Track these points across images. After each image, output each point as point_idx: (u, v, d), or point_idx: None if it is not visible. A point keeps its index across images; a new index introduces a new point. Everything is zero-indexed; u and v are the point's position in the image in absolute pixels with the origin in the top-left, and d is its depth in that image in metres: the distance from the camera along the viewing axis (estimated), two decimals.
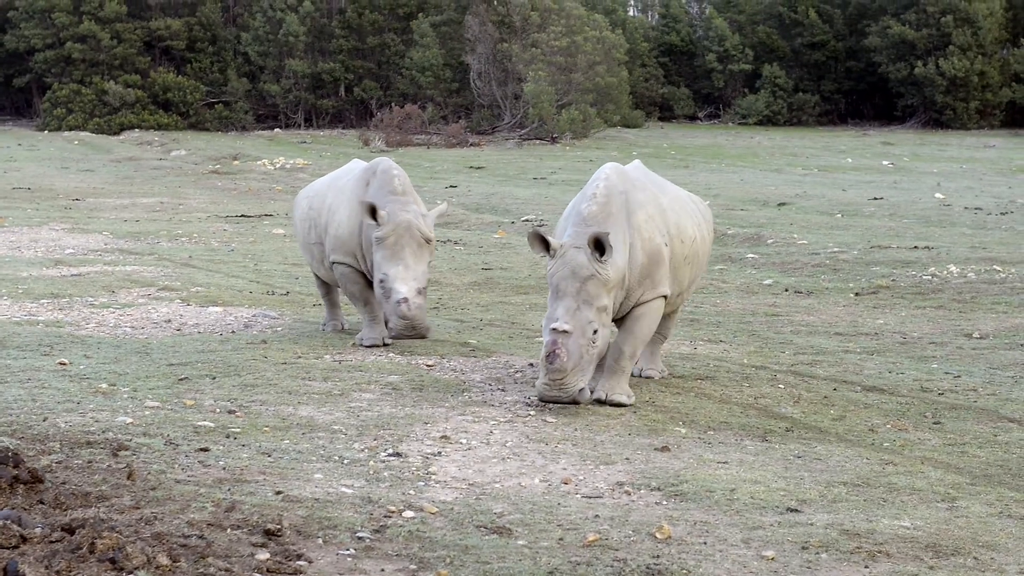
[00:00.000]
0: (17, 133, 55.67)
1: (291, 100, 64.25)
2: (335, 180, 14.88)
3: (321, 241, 14.43)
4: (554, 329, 10.91)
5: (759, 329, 15.70)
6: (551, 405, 11.26)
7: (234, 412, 10.76)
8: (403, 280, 13.48)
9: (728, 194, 32.58)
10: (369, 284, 14.02)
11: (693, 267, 12.24)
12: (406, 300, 13.38)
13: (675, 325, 13.16)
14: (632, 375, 12.47)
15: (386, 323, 13.64)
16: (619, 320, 11.76)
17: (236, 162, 41.05)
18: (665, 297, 11.75)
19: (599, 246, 10.96)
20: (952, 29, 65.57)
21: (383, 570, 7.40)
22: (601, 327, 11.07)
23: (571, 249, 11.11)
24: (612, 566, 7.57)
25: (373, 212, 13.55)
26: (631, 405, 11.36)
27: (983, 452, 10.37)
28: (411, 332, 13.45)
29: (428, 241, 13.78)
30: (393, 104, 58.18)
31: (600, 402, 11.34)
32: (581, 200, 11.69)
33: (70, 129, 58.06)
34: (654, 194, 11.93)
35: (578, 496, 8.97)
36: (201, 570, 7.12)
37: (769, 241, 23.65)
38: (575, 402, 11.05)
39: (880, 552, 7.94)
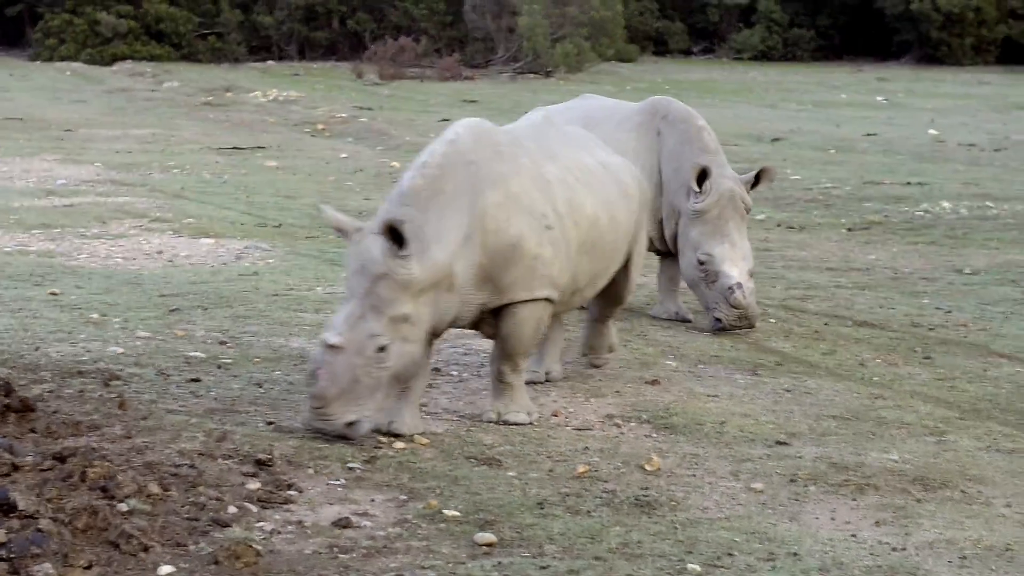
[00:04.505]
0: (9, 63, 55.42)
1: (284, 32, 63.84)
2: (590, 121, 12.29)
3: None
4: (323, 342, 8.23)
5: None
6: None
7: (225, 343, 10.77)
8: (732, 261, 11.66)
9: (722, 129, 32.38)
10: (659, 250, 12.49)
11: (595, 259, 9.36)
12: (740, 286, 11.62)
13: (619, 310, 10.57)
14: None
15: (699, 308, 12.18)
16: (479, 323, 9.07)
17: (229, 94, 40.87)
18: (548, 300, 8.97)
19: (395, 235, 8.16)
20: None
21: (373, 500, 7.44)
22: (398, 342, 8.20)
23: (368, 236, 8.27)
24: (601, 497, 7.61)
25: (702, 177, 11.74)
26: (531, 423, 9.03)
27: (972, 387, 10.41)
28: (742, 323, 11.75)
29: (748, 212, 12.03)
30: (387, 37, 57.87)
31: (494, 422, 9.02)
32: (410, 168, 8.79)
33: (62, 59, 57.66)
34: (533, 163, 9.00)
35: (568, 428, 9.00)
36: (192, 499, 7.15)
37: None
38: (344, 437, 8.26)
39: (868, 485, 7.99)
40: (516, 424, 8.99)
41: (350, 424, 8.19)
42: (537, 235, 8.78)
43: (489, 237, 8.59)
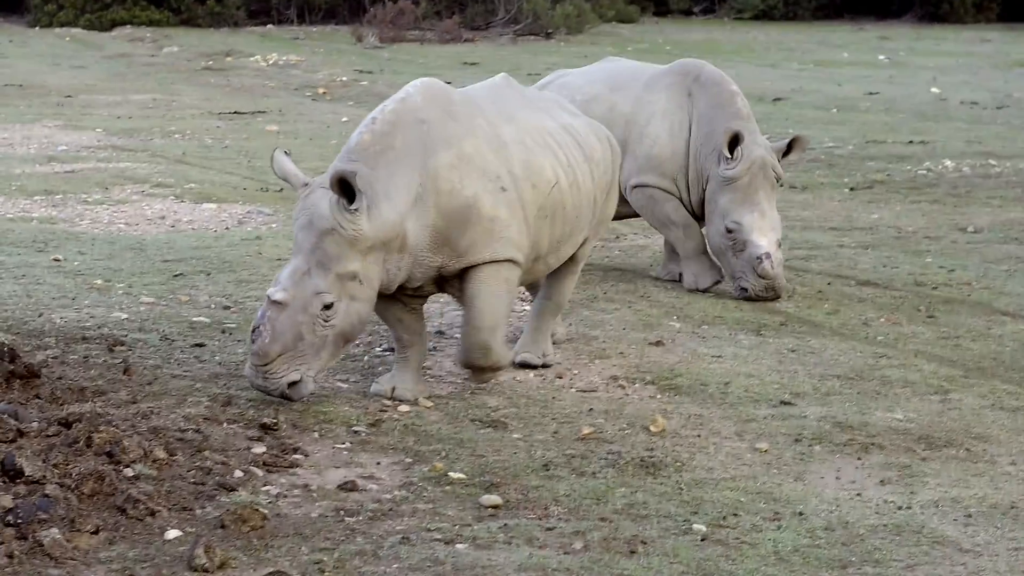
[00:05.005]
0: (8, 30, 55.24)
1: None
2: (616, 83, 12.40)
3: None
4: (267, 297, 8.04)
5: None
6: None
7: (229, 308, 10.78)
8: (760, 231, 11.39)
9: None
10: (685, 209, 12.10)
11: (557, 224, 8.96)
12: (768, 256, 11.37)
13: (569, 292, 9.89)
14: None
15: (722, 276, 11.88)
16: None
17: (229, 58, 40.74)
18: (513, 262, 8.65)
19: (345, 188, 7.94)
20: None
21: (379, 463, 7.46)
22: (345, 300, 8.02)
23: (318, 190, 8.10)
24: (606, 458, 7.63)
25: (734, 143, 11.48)
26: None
27: (976, 345, 10.41)
28: (768, 294, 11.49)
29: (779, 181, 11.82)
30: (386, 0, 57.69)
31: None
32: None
33: (61, 25, 57.49)
34: (488, 124, 8.70)
35: (573, 390, 9.02)
36: (198, 463, 7.17)
37: (765, 136, 23.56)
38: (286, 397, 8.11)
39: (873, 444, 8.00)
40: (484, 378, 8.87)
41: (293, 384, 8.00)
42: (492, 197, 8.48)
43: (443, 198, 8.33)
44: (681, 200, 12.06)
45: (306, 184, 8.16)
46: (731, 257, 11.58)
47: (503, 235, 8.53)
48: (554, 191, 8.86)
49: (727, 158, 11.49)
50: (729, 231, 11.49)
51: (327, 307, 7.95)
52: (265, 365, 7.93)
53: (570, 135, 9.25)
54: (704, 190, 11.84)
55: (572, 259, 9.54)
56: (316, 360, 8.06)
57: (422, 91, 8.57)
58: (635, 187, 12.13)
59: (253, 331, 7.98)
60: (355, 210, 7.91)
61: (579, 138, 9.31)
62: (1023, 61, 40.80)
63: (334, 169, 8.02)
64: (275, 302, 7.92)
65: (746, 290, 11.52)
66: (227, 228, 14.41)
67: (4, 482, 6.51)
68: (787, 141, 11.86)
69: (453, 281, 8.65)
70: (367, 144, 8.24)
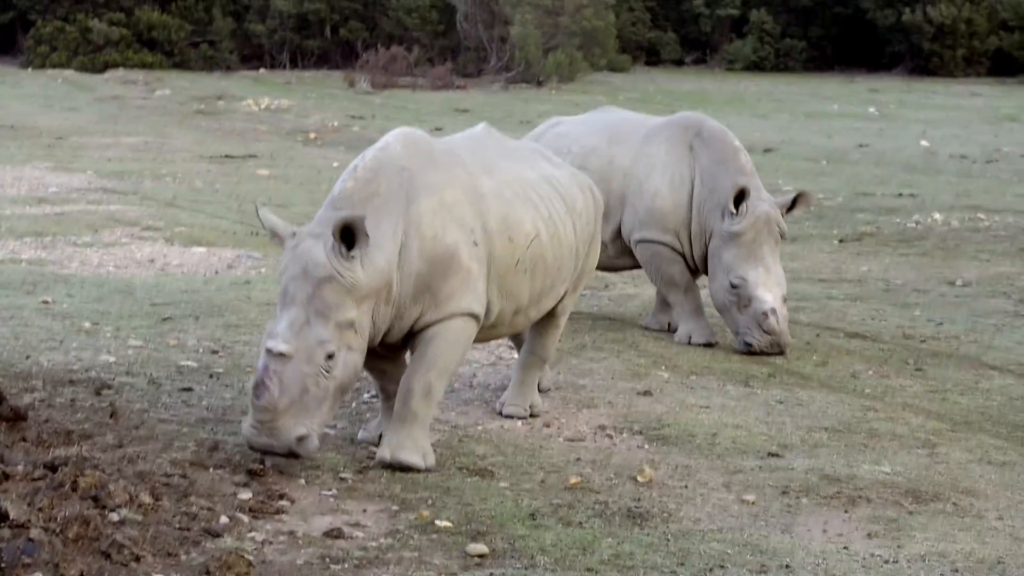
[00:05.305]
0: (0, 70, 55.35)
1: (276, 40, 63.88)
2: (615, 135, 12.45)
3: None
4: (268, 351, 7.70)
5: None
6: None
7: (217, 352, 10.76)
8: (766, 286, 11.42)
9: None
10: (689, 267, 12.11)
11: (537, 278, 8.80)
12: (774, 311, 11.38)
13: (553, 346, 9.72)
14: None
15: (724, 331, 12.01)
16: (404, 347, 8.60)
17: (221, 102, 40.85)
18: (475, 316, 8.40)
19: (347, 235, 7.75)
20: None
21: (365, 510, 7.43)
22: (344, 350, 7.78)
23: (308, 239, 7.87)
24: (593, 508, 7.61)
25: (740, 198, 11.47)
26: (427, 469, 8.15)
27: (964, 399, 10.42)
28: (773, 349, 11.47)
29: (783, 237, 11.79)
30: (379, 45, 57.92)
31: (385, 464, 8.17)
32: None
33: (54, 67, 57.67)
34: (467, 175, 8.55)
35: (560, 439, 9.00)
36: (184, 509, 7.14)
37: None
38: (293, 455, 7.78)
39: (860, 497, 7.99)
40: (408, 467, 8.14)
41: (300, 439, 7.66)
42: (468, 248, 8.30)
43: (426, 243, 8.15)
44: (684, 255, 12.02)
45: (293, 234, 7.95)
46: (735, 312, 11.55)
47: (475, 288, 8.35)
48: (534, 244, 8.69)
49: (732, 213, 11.47)
50: (734, 286, 11.48)
51: (330, 357, 7.70)
52: (272, 421, 7.62)
53: (551, 186, 9.08)
54: (707, 245, 11.81)
55: (553, 313, 9.40)
56: (319, 414, 7.76)
57: (402, 140, 8.46)
58: (640, 242, 12.09)
59: (256, 387, 7.66)
60: (353, 257, 7.74)
61: (561, 189, 9.15)
62: (1013, 115, 41.00)
63: (337, 216, 7.78)
64: (279, 355, 7.63)
65: (750, 345, 11.47)
66: (216, 272, 14.41)
67: None
68: (792, 197, 11.80)
69: (420, 334, 8.36)
70: (351, 192, 8.10)
